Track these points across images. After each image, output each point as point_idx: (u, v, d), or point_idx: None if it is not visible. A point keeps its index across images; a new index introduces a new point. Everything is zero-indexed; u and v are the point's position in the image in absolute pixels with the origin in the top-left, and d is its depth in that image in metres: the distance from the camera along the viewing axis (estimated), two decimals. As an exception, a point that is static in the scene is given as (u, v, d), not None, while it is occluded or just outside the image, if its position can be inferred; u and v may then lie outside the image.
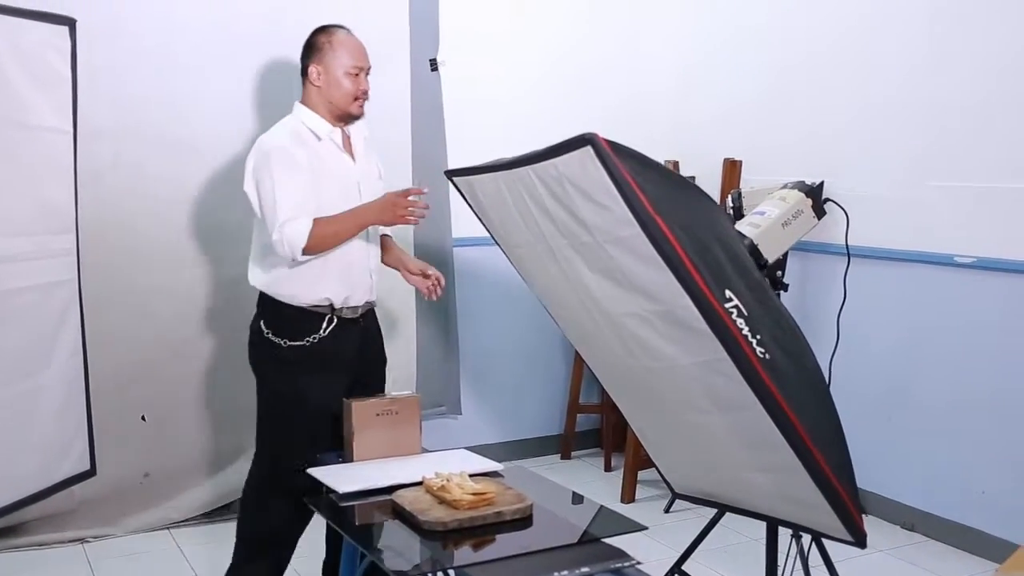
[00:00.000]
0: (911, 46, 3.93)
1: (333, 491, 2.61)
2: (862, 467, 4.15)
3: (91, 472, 3.60)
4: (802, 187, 3.56)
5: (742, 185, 4.55)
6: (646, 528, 2.51)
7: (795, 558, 2.92)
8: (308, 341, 3.03)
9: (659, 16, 5.03)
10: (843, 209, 3.86)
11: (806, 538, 2.90)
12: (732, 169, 4.64)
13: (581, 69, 4.84)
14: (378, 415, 2.88)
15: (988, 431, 3.74)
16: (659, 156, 4.72)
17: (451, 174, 2.87)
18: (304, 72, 3.12)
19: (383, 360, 3.33)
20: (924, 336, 3.96)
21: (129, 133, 3.87)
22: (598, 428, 5.05)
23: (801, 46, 4.40)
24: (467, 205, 2.89)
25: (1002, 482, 3.71)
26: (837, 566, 2.95)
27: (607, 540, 2.32)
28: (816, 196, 3.48)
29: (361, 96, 3.09)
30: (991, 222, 3.69)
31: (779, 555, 2.92)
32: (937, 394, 3.92)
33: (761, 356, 2.29)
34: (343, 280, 3.06)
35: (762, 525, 2.88)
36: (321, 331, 3.03)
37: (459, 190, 2.87)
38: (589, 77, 4.85)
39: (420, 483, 2.54)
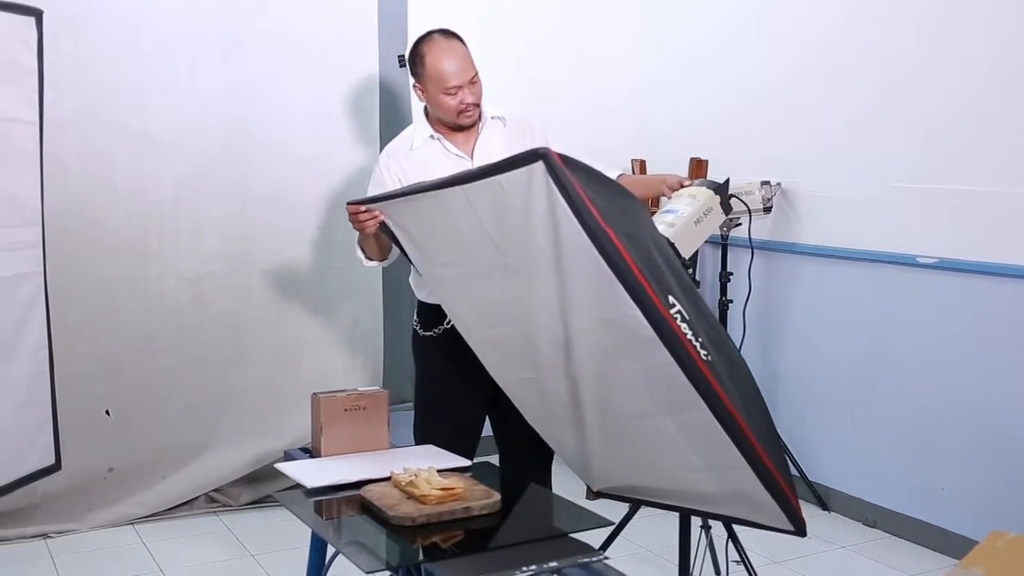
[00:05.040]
0: (876, 52, 3.97)
1: (301, 486, 2.61)
2: (826, 464, 4.27)
3: (56, 467, 3.57)
4: (710, 184, 3.63)
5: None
6: (613, 523, 2.54)
7: (705, 551, 2.96)
8: (435, 331, 3.17)
9: (623, 19, 5.05)
10: (745, 204, 3.98)
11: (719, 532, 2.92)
12: (699, 168, 4.67)
13: (546, 70, 4.84)
14: (346, 410, 2.87)
15: (949, 430, 3.80)
16: (625, 156, 4.84)
17: (353, 204, 2.81)
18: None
19: None
20: (887, 336, 4.01)
21: (94, 125, 3.84)
22: (564, 425, 5.06)
23: (767, 51, 4.43)
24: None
25: (962, 480, 3.76)
26: (801, 562, 3.00)
27: (574, 535, 2.33)
28: (723, 193, 3.56)
29: (467, 108, 3.06)
30: (954, 224, 3.74)
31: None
32: (899, 393, 3.97)
33: (704, 358, 2.30)
34: None
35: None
36: (446, 323, 3.12)
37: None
38: (554, 78, 4.84)
39: (388, 478, 2.53)
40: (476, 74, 3.06)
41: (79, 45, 3.76)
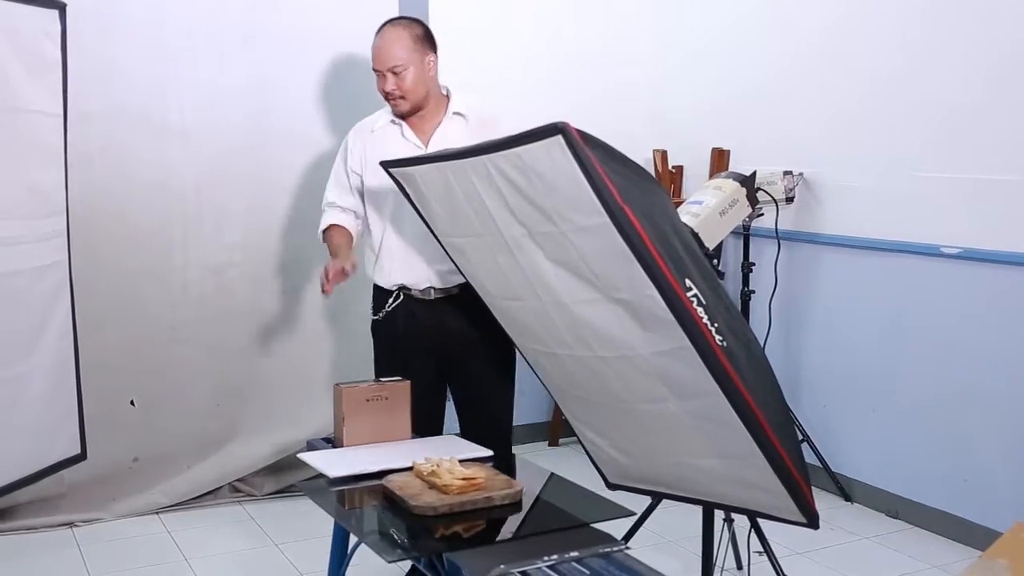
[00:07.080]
0: (898, 38, 3.95)
1: (324, 475, 2.63)
2: (848, 455, 4.26)
3: (82, 456, 3.60)
4: (736, 177, 3.64)
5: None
6: (634, 514, 2.54)
7: (728, 544, 2.95)
8: (380, 316, 3.30)
9: (642, 8, 5.03)
10: (772, 196, 4.03)
11: (742, 524, 2.92)
12: (720, 158, 4.66)
13: (566, 60, 4.83)
14: (368, 400, 2.89)
15: (972, 420, 3.78)
16: (646, 146, 4.84)
17: (387, 165, 2.88)
18: None
19: (470, 343, 3.29)
20: (909, 326, 3.99)
21: (118, 117, 3.87)
22: (585, 415, 5.06)
23: (787, 38, 4.41)
24: (404, 195, 2.89)
25: (985, 470, 3.74)
26: (824, 553, 2.99)
27: (596, 525, 2.34)
28: (750, 185, 3.56)
29: (390, 96, 3.14)
30: (978, 213, 3.71)
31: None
32: (921, 384, 3.95)
33: (720, 343, 2.29)
34: (404, 269, 3.25)
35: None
36: (387, 307, 3.27)
37: (395, 180, 2.87)
38: (574, 68, 4.82)
39: (410, 468, 2.55)
40: (400, 66, 3.09)
41: (103, 38, 3.79)
